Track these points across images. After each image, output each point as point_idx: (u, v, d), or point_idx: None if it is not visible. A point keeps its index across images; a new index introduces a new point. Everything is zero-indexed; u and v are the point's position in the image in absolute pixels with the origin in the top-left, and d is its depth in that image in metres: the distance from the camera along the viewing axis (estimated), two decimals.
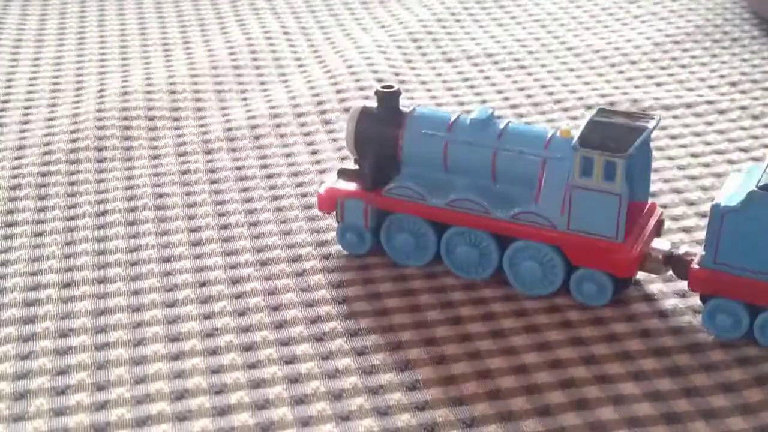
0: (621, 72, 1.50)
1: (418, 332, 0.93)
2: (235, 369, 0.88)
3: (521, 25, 1.70)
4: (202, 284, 1.00)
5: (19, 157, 1.25)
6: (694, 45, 1.58)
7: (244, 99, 1.42)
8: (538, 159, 0.95)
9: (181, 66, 1.53)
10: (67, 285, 1.00)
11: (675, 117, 1.35)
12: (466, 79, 1.48)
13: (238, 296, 0.98)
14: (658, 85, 1.45)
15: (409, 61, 1.54)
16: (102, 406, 0.84)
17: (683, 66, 1.51)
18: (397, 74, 1.48)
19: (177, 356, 0.90)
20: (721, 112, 1.36)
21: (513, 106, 1.39)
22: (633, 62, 1.53)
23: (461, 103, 1.40)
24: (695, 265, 0.91)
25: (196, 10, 1.80)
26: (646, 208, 0.99)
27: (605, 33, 1.65)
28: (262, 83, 1.47)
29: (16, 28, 1.70)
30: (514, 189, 0.97)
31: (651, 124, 0.94)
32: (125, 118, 1.34)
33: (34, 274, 1.02)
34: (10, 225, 1.11)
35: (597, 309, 0.96)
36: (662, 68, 1.51)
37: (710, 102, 1.39)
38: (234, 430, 0.82)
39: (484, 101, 1.40)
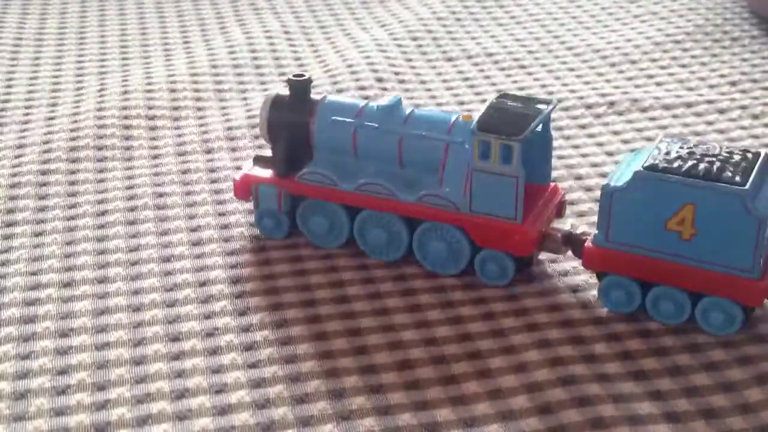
0: (621, 71, 1.50)
1: (418, 332, 0.93)
2: (236, 368, 0.88)
3: (521, 24, 1.70)
4: (203, 284, 1.00)
5: (19, 156, 1.25)
6: (694, 44, 1.58)
7: (245, 98, 1.42)
8: (441, 143, 0.98)
9: (181, 65, 1.53)
10: (67, 284, 1.00)
11: (675, 116, 1.35)
12: (466, 79, 1.48)
13: (239, 296, 0.98)
14: (658, 84, 1.45)
15: (409, 60, 1.54)
16: (102, 405, 0.84)
17: (683, 65, 1.51)
18: (397, 73, 1.48)
19: (177, 356, 0.90)
20: (721, 111, 1.36)
21: None
22: (633, 61, 1.53)
23: (461, 103, 1.40)
24: (589, 244, 0.94)
25: (196, 9, 1.80)
26: (549, 190, 1.02)
27: (605, 32, 1.65)
28: (263, 83, 1.47)
29: (16, 28, 1.70)
30: (420, 173, 1.00)
31: (547, 108, 0.97)
32: (125, 118, 1.34)
33: (34, 273, 1.02)
34: (10, 224, 1.11)
35: (597, 308, 0.96)
36: (662, 67, 1.51)
37: (710, 101, 1.39)
38: (234, 430, 0.82)
39: (484, 101, 1.40)
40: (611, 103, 1.38)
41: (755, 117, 1.35)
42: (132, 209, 1.13)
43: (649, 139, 1.28)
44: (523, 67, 1.52)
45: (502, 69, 1.51)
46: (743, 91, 1.42)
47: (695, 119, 1.34)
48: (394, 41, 1.61)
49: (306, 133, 1.04)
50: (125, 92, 1.43)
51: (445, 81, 1.47)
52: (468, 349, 0.91)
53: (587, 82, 1.46)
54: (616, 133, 1.31)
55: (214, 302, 0.97)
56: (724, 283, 0.89)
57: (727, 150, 0.91)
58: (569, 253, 1.00)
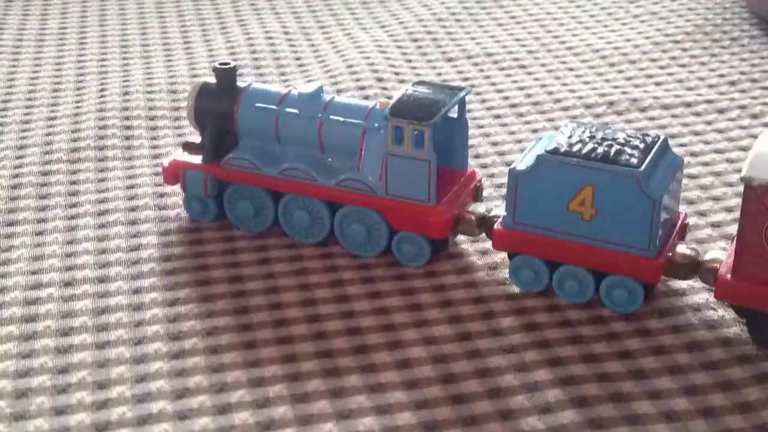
0: (620, 71, 1.50)
1: (418, 331, 0.93)
2: (236, 368, 0.88)
3: (521, 24, 1.70)
4: (202, 283, 1.00)
5: (20, 157, 1.25)
6: (694, 44, 1.59)
7: None
8: (359, 129, 1.02)
9: (181, 66, 1.53)
10: (68, 284, 1.00)
11: (674, 116, 1.35)
12: (466, 79, 1.48)
13: (239, 295, 0.98)
14: (658, 84, 1.45)
15: (409, 61, 1.54)
16: (103, 404, 0.84)
17: (682, 65, 1.51)
18: (397, 74, 1.49)
19: (178, 355, 0.90)
20: (721, 111, 1.36)
21: (512, 106, 1.39)
22: (632, 61, 1.53)
23: None
24: (498, 226, 0.97)
25: (196, 9, 1.80)
26: (466, 174, 1.05)
27: (605, 32, 1.66)
28: (263, 83, 1.47)
29: (17, 28, 1.70)
30: (340, 158, 1.04)
31: (459, 95, 1.01)
32: (126, 118, 1.35)
33: (35, 272, 1.02)
34: (11, 224, 1.11)
35: (597, 308, 0.96)
36: (661, 67, 1.51)
37: (709, 101, 1.39)
38: (234, 429, 0.82)
39: (484, 101, 1.41)
40: (611, 103, 1.38)
41: (754, 116, 1.35)
42: (132, 209, 1.13)
43: None
44: (522, 67, 1.52)
45: (502, 69, 1.51)
46: (742, 91, 1.42)
47: (694, 119, 1.34)
48: (394, 41, 1.61)
49: (231, 119, 1.07)
50: (126, 92, 1.43)
51: (445, 81, 1.47)
52: (467, 348, 0.91)
53: (587, 82, 1.46)
54: None
55: (215, 301, 0.97)
56: (624, 262, 0.93)
57: (628, 134, 0.95)
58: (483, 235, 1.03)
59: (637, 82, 1.46)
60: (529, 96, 1.42)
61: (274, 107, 1.05)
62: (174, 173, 1.10)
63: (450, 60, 1.55)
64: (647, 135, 0.95)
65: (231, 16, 1.76)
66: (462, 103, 1.03)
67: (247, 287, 1.00)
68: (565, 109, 1.37)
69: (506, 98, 1.41)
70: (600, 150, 0.92)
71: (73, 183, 1.19)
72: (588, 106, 1.38)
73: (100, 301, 0.98)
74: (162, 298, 0.98)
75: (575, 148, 0.93)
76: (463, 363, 0.89)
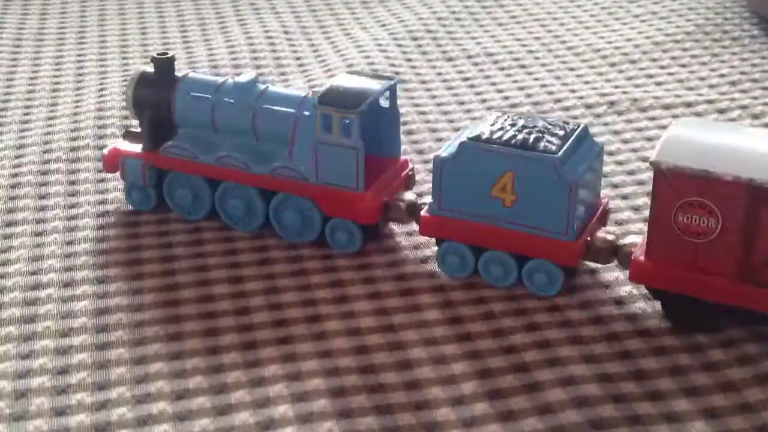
0: (621, 71, 1.50)
1: (418, 331, 0.93)
2: (236, 368, 0.88)
3: (521, 24, 1.70)
4: (202, 283, 1.00)
5: (19, 156, 1.25)
6: (694, 44, 1.58)
7: None
8: (291, 118, 1.04)
9: (181, 65, 1.53)
10: (67, 284, 1.00)
11: (675, 116, 1.35)
12: (466, 79, 1.48)
13: (239, 295, 0.98)
14: (658, 84, 1.45)
15: (410, 60, 1.54)
16: (103, 405, 0.84)
17: (683, 65, 1.51)
18: (397, 73, 1.48)
19: (178, 355, 0.90)
20: (721, 111, 1.36)
21: (513, 105, 1.39)
22: (633, 61, 1.53)
23: (461, 102, 1.40)
24: (424, 213, 1.00)
25: (196, 9, 1.80)
26: (398, 163, 1.08)
27: (605, 32, 1.65)
28: (263, 83, 1.47)
29: (16, 28, 1.70)
30: (274, 146, 1.05)
31: (386, 85, 1.03)
32: (125, 117, 1.34)
33: (34, 273, 1.02)
34: (10, 224, 1.11)
35: (597, 308, 0.96)
36: (662, 67, 1.51)
37: (710, 101, 1.39)
38: (234, 429, 0.82)
39: (484, 101, 1.40)
40: (611, 103, 1.38)
41: (755, 117, 1.35)
42: (132, 210, 1.13)
43: (649, 139, 1.28)
44: (523, 66, 1.52)
45: (502, 69, 1.51)
46: (743, 91, 1.42)
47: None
48: (394, 41, 1.61)
49: (169, 108, 1.09)
50: (125, 92, 1.42)
51: (445, 81, 1.47)
52: (467, 348, 0.91)
53: (587, 82, 1.46)
54: (616, 132, 1.31)
55: (215, 302, 0.97)
56: (544, 246, 0.95)
57: (549, 122, 0.97)
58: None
59: (637, 82, 1.46)
60: (529, 96, 1.42)
61: (210, 96, 1.07)
62: (113, 162, 1.11)
63: (450, 59, 1.55)
64: (567, 123, 0.97)
65: (231, 15, 1.76)
66: (393, 93, 1.06)
67: (247, 288, 1.00)
68: (566, 109, 1.37)
69: (506, 98, 1.41)
70: (520, 137, 0.94)
71: (73, 183, 1.19)
72: (588, 106, 1.38)
73: (99, 301, 0.98)
74: (162, 299, 0.98)
75: (496, 136, 0.95)
76: (463, 364, 0.89)
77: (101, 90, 1.45)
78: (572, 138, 0.95)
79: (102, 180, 1.19)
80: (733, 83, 1.44)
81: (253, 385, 0.86)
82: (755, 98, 1.40)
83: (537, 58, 1.55)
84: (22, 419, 0.83)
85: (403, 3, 1.80)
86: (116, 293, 0.99)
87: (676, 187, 0.88)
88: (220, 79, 1.09)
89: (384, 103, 1.06)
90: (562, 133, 0.95)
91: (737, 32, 1.62)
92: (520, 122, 0.97)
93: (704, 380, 0.87)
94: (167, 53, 1.10)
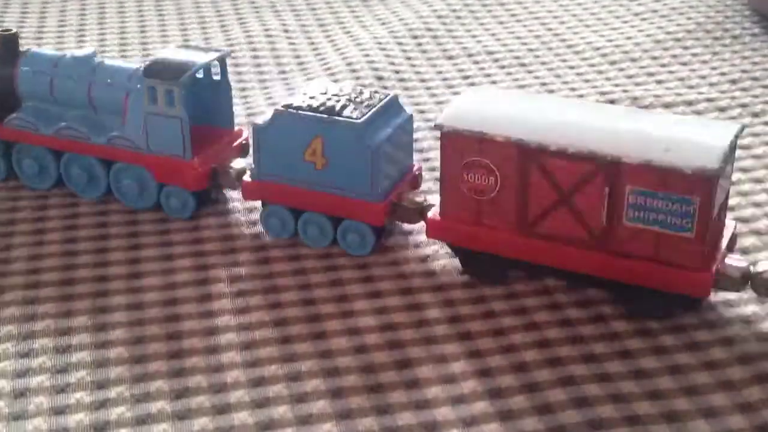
0: (621, 69, 1.49)
1: (417, 331, 0.93)
2: (235, 367, 0.88)
3: (522, 22, 1.69)
4: (202, 282, 1.00)
5: None
6: (695, 42, 1.58)
7: (244, 97, 1.42)
8: (123, 90, 1.10)
9: None
10: (67, 283, 1.00)
11: (675, 114, 1.34)
12: (467, 77, 1.48)
13: (238, 294, 0.98)
14: (659, 82, 1.45)
15: (410, 59, 1.54)
16: (102, 404, 0.84)
17: (684, 63, 1.51)
18: (397, 71, 1.48)
19: (177, 354, 0.90)
20: (722, 109, 1.36)
21: None
22: (633, 60, 1.53)
23: None
24: (246, 178, 1.06)
25: (196, 8, 1.80)
26: (231, 133, 1.15)
27: (605, 30, 1.65)
28: (262, 81, 1.47)
29: (15, 26, 1.70)
30: (110, 117, 1.12)
31: (211, 56, 1.09)
32: None
33: (34, 271, 1.02)
34: (10, 223, 1.11)
35: (597, 308, 0.96)
36: (663, 66, 1.51)
37: (710, 100, 1.39)
38: (233, 429, 0.82)
39: None
40: (611, 101, 1.38)
41: (755, 115, 1.34)
42: (132, 209, 1.13)
43: None
44: (523, 65, 1.52)
45: (503, 67, 1.51)
46: (744, 89, 1.42)
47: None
48: (394, 39, 1.61)
49: (12, 83, 1.15)
50: None
51: (445, 79, 1.47)
52: (467, 348, 0.91)
53: (587, 80, 1.46)
54: None
55: (214, 301, 0.97)
56: (354, 207, 1.02)
57: (359, 92, 1.04)
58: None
59: (638, 80, 1.46)
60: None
61: (49, 70, 1.13)
62: None
63: (450, 58, 1.54)
64: (377, 92, 1.04)
65: (231, 14, 1.76)
66: (223, 66, 1.12)
67: (246, 287, 0.99)
68: None
69: None
70: (329, 104, 1.01)
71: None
72: None
73: (99, 300, 0.97)
74: (161, 298, 0.98)
75: (307, 103, 1.01)
76: (463, 363, 0.89)
77: None
78: (378, 106, 1.01)
79: None
80: (733, 81, 1.44)
81: (252, 384, 0.86)
82: (756, 96, 1.39)
83: (537, 56, 1.55)
84: (21, 418, 0.83)
85: (403, 1, 1.79)
86: (115, 292, 0.99)
87: (459, 149, 0.94)
88: (60, 54, 1.15)
89: (216, 75, 1.13)
90: (369, 101, 1.02)
91: (738, 30, 1.62)
92: (334, 90, 1.04)
93: (704, 379, 0.86)
94: (11, 30, 1.17)
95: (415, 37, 1.62)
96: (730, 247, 0.95)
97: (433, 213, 1.00)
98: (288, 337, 0.92)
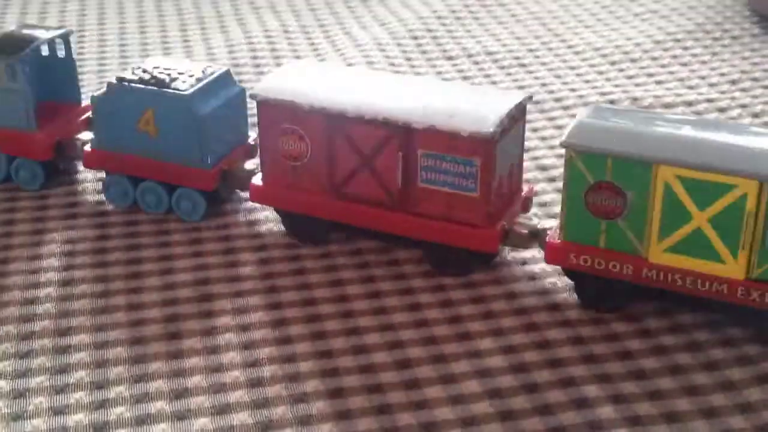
0: (621, 70, 1.49)
1: (417, 331, 0.93)
2: (235, 368, 0.88)
3: (521, 22, 1.69)
4: (202, 282, 1.00)
5: None
6: (695, 43, 1.58)
7: None
8: None
9: None
10: (66, 283, 1.00)
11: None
12: (467, 77, 1.48)
13: (238, 294, 0.98)
14: (659, 82, 1.45)
15: (409, 59, 1.54)
16: (101, 404, 0.84)
17: (683, 64, 1.51)
18: (397, 72, 1.48)
19: (176, 354, 0.90)
20: (722, 110, 1.36)
21: None
22: (633, 60, 1.53)
23: None
24: (87, 148, 1.11)
25: (195, 8, 1.80)
26: (77, 109, 1.20)
27: (605, 31, 1.65)
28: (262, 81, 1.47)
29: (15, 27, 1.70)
30: None
31: (53, 33, 1.15)
32: None
33: (33, 272, 1.02)
34: (9, 223, 1.11)
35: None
36: (662, 66, 1.51)
37: (710, 100, 1.39)
38: (233, 429, 0.82)
39: None
40: (611, 102, 1.38)
41: (755, 115, 1.34)
42: (132, 209, 1.13)
43: None
44: (523, 65, 1.52)
45: (503, 67, 1.51)
46: (743, 90, 1.42)
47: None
48: (394, 40, 1.61)
49: None
50: None
51: (445, 80, 1.47)
52: (467, 348, 0.91)
53: (587, 81, 1.46)
54: None
55: (214, 301, 0.97)
56: (186, 174, 1.08)
57: (191, 66, 1.10)
58: None
59: (637, 80, 1.46)
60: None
61: None
62: None
63: (450, 58, 1.54)
64: (210, 67, 1.10)
65: (230, 14, 1.76)
66: (67, 44, 1.17)
67: (245, 287, 0.99)
68: (566, 108, 1.37)
69: None
70: (160, 77, 1.07)
71: (72, 183, 1.19)
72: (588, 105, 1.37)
73: (98, 300, 0.97)
74: (160, 298, 0.98)
75: (140, 76, 1.07)
76: (463, 363, 0.89)
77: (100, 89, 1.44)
78: (208, 80, 1.07)
79: (101, 179, 1.19)
80: (733, 82, 1.44)
81: (252, 385, 0.86)
82: (755, 97, 1.39)
83: (537, 56, 1.55)
84: (20, 418, 0.83)
85: (402, 1, 1.79)
86: (114, 292, 0.99)
87: (275, 117, 1.01)
88: None
89: (60, 53, 1.18)
90: (199, 75, 1.08)
91: (737, 31, 1.62)
92: (163, 65, 1.10)
93: (704, 380, 0.86)
94: None
95: (415, 38, 1.62)
96: (525, 208, 1.03)
97: (255, 179, 1.06)
98: (288, 337, 0.92)
